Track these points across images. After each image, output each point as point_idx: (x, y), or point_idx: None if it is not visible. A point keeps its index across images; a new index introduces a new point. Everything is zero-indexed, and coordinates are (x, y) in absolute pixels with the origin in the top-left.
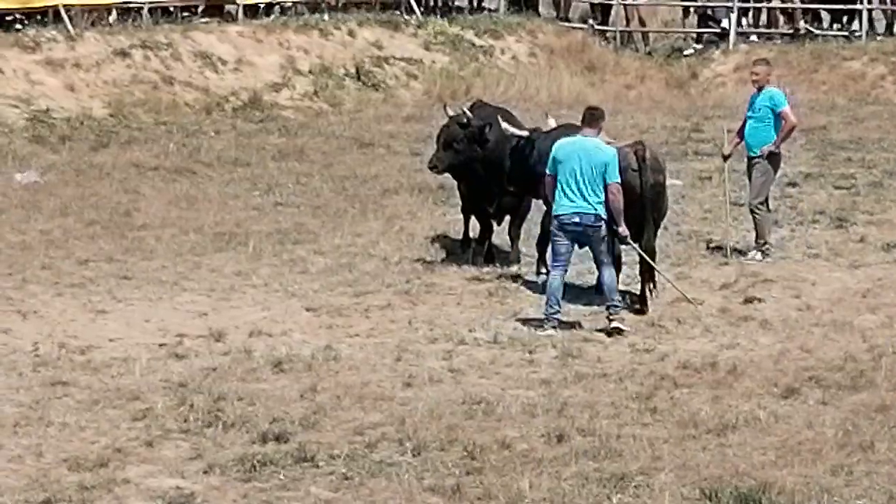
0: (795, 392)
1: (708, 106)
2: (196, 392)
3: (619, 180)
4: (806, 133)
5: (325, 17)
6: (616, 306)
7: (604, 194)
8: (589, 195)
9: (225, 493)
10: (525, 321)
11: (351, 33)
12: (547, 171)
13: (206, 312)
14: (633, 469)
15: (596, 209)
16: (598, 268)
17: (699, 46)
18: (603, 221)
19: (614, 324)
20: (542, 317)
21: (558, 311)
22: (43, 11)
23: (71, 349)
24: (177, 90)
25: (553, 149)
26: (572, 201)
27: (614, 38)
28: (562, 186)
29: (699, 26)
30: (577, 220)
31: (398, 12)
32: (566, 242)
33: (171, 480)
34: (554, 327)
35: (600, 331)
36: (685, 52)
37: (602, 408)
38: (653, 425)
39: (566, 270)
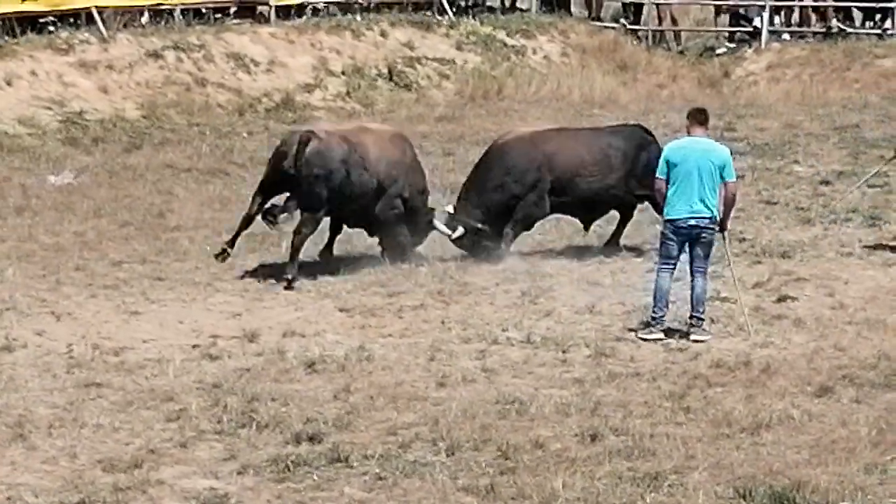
0: (829, 391)
1: (740, 105)
2: (230, 393)
3: (735, 178)
4: (839, 131)
5: (357, 17)
6: (700, 318)
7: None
8: (707, 197)
9: (259, 494)
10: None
11: (383, 34)
12: (658, 175)
13: (240, 313)
14: (667, 468)
15: (713, 212)
16: (693, 274)
17: (731, 45)
18: (716, 224)
19: (694, 336)
20: (648, 320)
21: (664, 315)
22: (76, 13)
23: (105, 350)
24: (209, 91)
25: (665, 153)
26: (690, 205)
27: (646, 38)
28: (677, 189)
29: (731, 25)
30: (692, 223)
31: (430, 13)
32: (677, 245)
33: (205, 481)
34: (663, 331)
35: (695, 340)
36: (717, 51)
37: (635, 407)
38: (686, 424)
39: (674, 272)
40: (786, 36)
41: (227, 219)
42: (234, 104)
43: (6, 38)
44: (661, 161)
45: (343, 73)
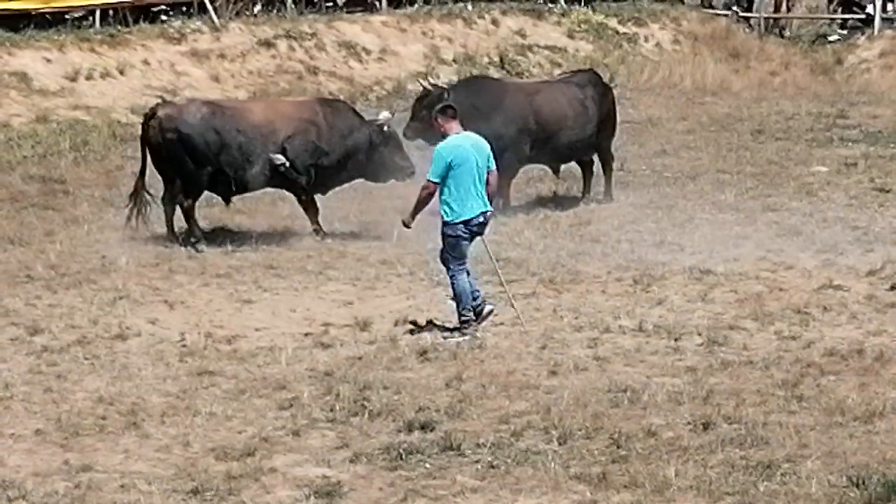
0: None
1: (853, 92)
2: (342, 381)
3: (494, 166)
4: None
5: (469, 6)
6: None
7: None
8: (483, 191)
9: (371, 482)
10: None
11: (494, 22)
12: (434, 179)
13: (352, 301)
14: (780, 456)
15: (489, 203)
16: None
17: (844, 32)
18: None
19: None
20: (459, 323)
21: (472, 315)
22: (188, 2)
23: (217, 339)
24: (321, 80)
25: (443, 154)
26: (478, 201)
27: (758, 25)
28: (465, 188)
29: (843, 12)
30: (482, 219)
31: (542, 1)
32: (469, 243)
33: (317, 469)
34: (472, 332)
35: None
36: (830, 39)
37: (748, 395)
38: (799, 413)
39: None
40: None
41: (340, 207)
42: (346, 92)
43: (119, 27)
44: (441, 164)
45: (454, 61)
